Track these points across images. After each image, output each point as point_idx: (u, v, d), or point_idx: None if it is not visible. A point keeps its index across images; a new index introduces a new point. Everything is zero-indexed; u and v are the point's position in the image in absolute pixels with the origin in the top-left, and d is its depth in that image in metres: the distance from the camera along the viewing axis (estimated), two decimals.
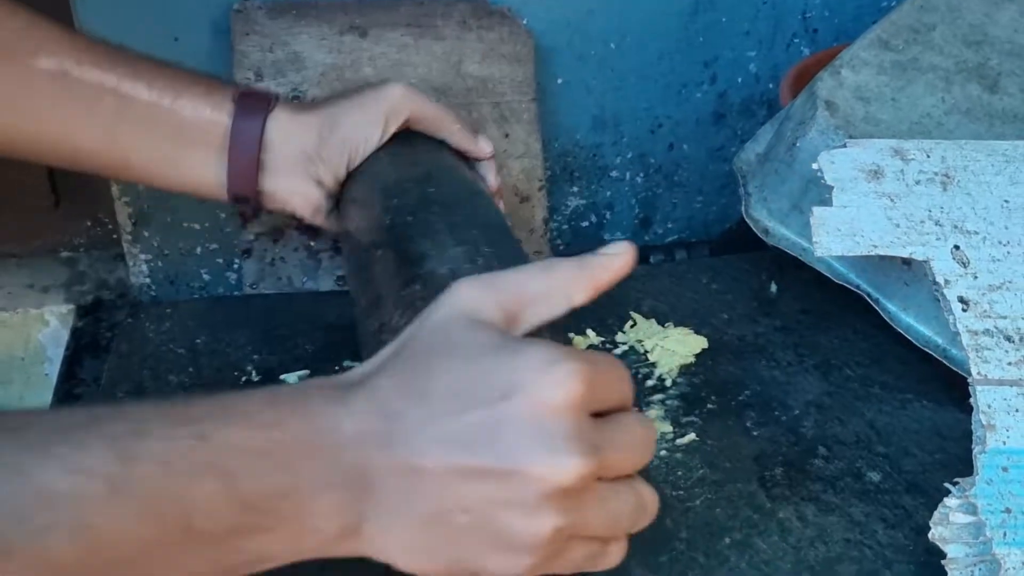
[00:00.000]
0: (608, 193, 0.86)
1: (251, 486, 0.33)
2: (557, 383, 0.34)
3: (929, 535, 0.43)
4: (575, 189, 0.84)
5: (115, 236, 0.85)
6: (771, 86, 0.83)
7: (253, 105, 0.58)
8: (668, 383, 0.57)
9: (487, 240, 0.48)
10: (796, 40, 0.82)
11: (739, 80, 0.83)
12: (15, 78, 0.56)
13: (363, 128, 0.58)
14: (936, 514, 0.44)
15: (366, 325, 0.47)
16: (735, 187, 0.66)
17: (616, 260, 0.39)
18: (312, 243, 0.70)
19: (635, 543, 0.38)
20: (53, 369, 0.80)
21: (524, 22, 0.74)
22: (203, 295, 0.79)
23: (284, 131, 0.58)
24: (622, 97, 0.82)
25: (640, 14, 0.78)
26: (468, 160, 0.62)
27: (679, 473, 0.51)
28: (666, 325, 0.61)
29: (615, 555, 0.38)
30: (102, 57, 0.57)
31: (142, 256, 0.79)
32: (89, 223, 0.86)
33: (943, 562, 0.43)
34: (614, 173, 0.85)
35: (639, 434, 0.37)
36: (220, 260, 0.78)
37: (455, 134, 0.61)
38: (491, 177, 0.63)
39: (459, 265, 0.45)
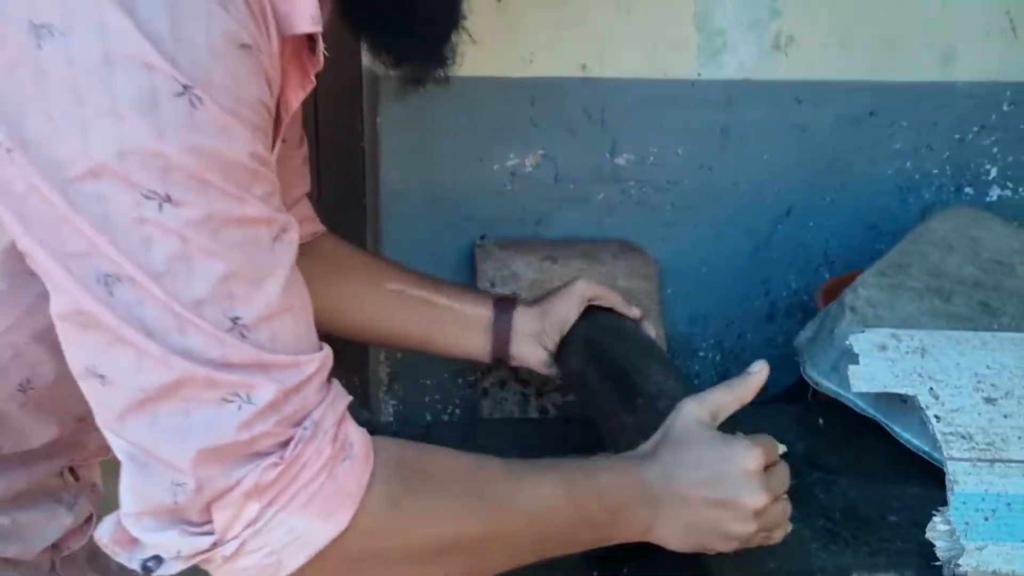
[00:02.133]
0: (696, 367, 1.26)
1: (611, 503, 0.70)
2: (752, 457, 0.71)
3: (927, 536, 0.80)
4: (677, 363, 1.25)
5: (361, 389, 1.24)
6: (805, 298, 1.25)
7: (505, 304, 0.98)
8: None
9: (665, 367, 0.87)
10: (820, 268, 1.25)
11: (783, 293, 1.26)
12: (373, 296, 0.96)
13: (566, 310, 0.96)
14: (929, 526, 0.81)
15: (612, 425, 0.85)
16: (781, 363, 1.06)
17: (760, 376, 0.78)
18: (524, 390, 1.09)
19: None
20: None
21: (651, 254, 1.17)
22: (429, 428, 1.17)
23: (523, 319, 0.98)
24: (707, 303, 1.23)
25: (720, 252, 1.21)
26: (631, 320, 1.01)
27: None
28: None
29: (779, 536, 0.74)
30: (416, 278, 0.98)
31: (391, 402, 1.17)
32: (346, 378, 1.26)
33: (936, 550, 0.79)
34: (701, 353, 1.26)
35: (784, 475, 0.75)
36: (439, 404, 1.17)
37: (619, 305, 0.98)
38: (650, 330, 1.01)
39: (666, 386, 0.83)
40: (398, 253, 1.12)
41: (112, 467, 0.58)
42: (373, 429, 1.16)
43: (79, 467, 0.78)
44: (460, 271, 1.14)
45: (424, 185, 1.13)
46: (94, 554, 0.82)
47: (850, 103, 1.18)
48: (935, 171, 1.24)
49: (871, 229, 1.23)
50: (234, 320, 0.52)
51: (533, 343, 0.97)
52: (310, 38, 0.62)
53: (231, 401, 0.53)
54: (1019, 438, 0.87)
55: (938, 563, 0.80)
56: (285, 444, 0.55)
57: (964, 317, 1.02)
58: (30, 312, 0.61)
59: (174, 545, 0.54)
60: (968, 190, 1.26)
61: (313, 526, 0.55)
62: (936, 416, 0.89)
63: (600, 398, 0.88)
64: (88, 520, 0.78)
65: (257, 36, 0.53)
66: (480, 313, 0.96)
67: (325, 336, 0.61)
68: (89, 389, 0.54)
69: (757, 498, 0.70)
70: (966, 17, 1.17)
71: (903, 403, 0.94)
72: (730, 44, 1.13)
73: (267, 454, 0.54)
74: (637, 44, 1.11)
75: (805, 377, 1.03)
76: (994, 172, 1.25)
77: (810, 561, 0.82)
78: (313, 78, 0.68)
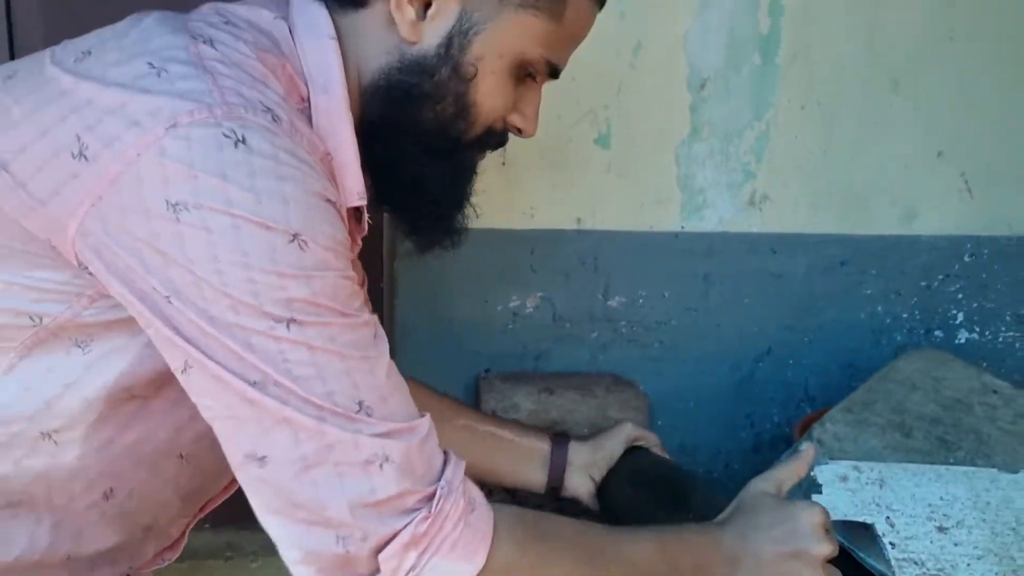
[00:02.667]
0: None
1: (698, 560, 0.80)
2: (816, 513, 0.82)
3: None
4: None
5: None
6: (787, 431, 1.34)
7: (561, 440, 1.09)
8: None
9: (710, 486, 0.99)
10: (801, 403, 1.35)
11: (767, 426, 1.35)
12: (446, 430, 1.07)
13: (614, 447, 1.08)
14: None
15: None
16: None
17: (809, 453, 0.91)
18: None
19: None
20: None
21: (641, 388, 1.28)
22: None
23: (577, 453, 1.08)
24: (696, 434, 1.33)
25: (707, 387, 1.32)
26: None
27: None
28: None
29: None
30: (480, 415, 1.10)
31: None
32: None
33: None
34: None
35: (834, 539, 0.83)
36: None
37: (656, 445, 1.11)
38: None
39: (710, 496, 0.94)
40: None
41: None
42: None
43: (136, 572, 0.88)
44: (465, 400, 1.25)
45: (435, 322, 1.25)
46: None
47: (821, 254, 1.30)
48: (905, 315, 1.35)
49: (848, 368, 1.33)
50: (359, 403, 0.66)
51: (584, 475, 1.08)
52: (356, 209, 0.77)
53: (373, 463, 0.66)
54: (967, 565, 0.95)
55: None
56: (429, 499, 0.68)
57: (923, 451, 1.10)
58: (122, 430, 0.73)
59: None
60: (938, 333, 1.36)
61: (459, 567, 0.69)
62: (892, 543, 0.97)
63: (653, 510, 1.00)
64: None
65: (334, 193, 0.70)
66: (539, 447, 1.08)
67: None
68: (247, 475, 0.67)
69: (825, 547, 0.81)
70: (925, 178, 1.31)
71: (865, 530, 1.03)
72: (710, 201, 1.26)
73: (415, 509, 0.68)
74: (627, 201, 1.25)
75: None
76: (961, 317, 1.36)
77: None
78: (359, 240, 0.83)
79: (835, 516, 1.01)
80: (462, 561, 0.69)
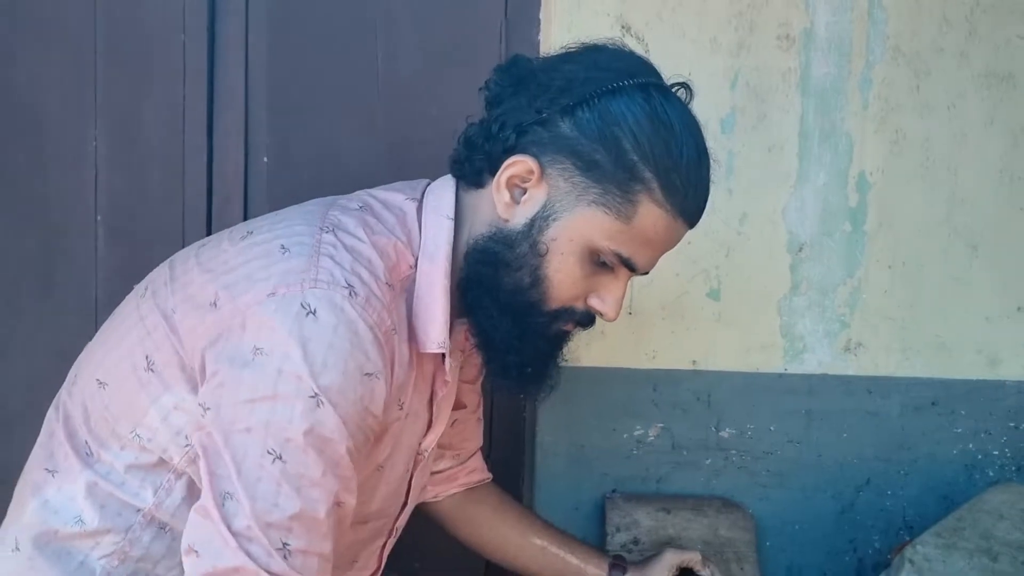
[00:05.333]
0: None
1: None
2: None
3: None
4: None
5: None
6: (887, 556, 1.47)
7: (618, 568, 1.26)
8: None
9: None
10: (901, 532, 1.48)
11: (869, 551, 1.48)
12: (522, 545, 1.28)
13: (661, 574, 1.25)
14: None
15: None
16: None
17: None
18: None
19: None
20: None
21: (750, 511, 1.45)
22: None
23: None
24: (802, 556, 1.47)
25: (810, 513, 1.47)
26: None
27: None
28: None
29: None
30: (556, 536, 1.28)
31: None
32: None
33: None
34: None
35: None
36: None
37: (697, 564, 1.26)
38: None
39: None
40: (548, 498, 1.45)
41: None
42: None
43: None
44: (593, 516, 1.45)
45: (570, 447, 1.46)
46: None
47: (913, 395, 1.46)
48: (996, 452, 1.48)
49: (943, 499, 1.47)
50: (284, 544, 0.87)
51: None
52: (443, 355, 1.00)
53: None
54: None
55: None
56: None
57: (1008, 574, 1.23)
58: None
59: None
60: None
61: None
62: None
63: None
64: None
65: (381, 368, 0.91)
66: (598, 575, 1.26)
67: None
68: (187, 561, 0.88)
69: None
70: (1007, 329, 1.47)
71: None
72: (809, 347, 1.46)
73: None
74: (735, 345, 1.46)
75: None
76: None
77: None
78: (447, 379, 1.05)
79: None
80: None
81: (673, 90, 0.99)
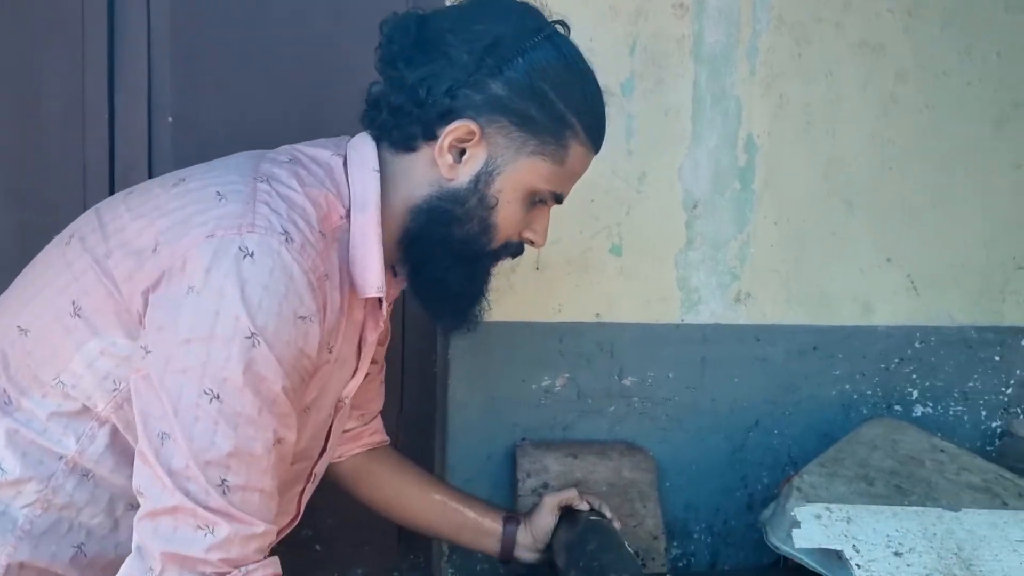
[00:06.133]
0: (692, 547, 1.58)
1: None
2: None
3: None
4: (675, 543, 1.57)
5: (425, 563, 1.57)
6: (774, 490, 1.59)
7: (511, 523, 1.33)
8: None
9: (617, 551, 1.22)
10: (786, 467, 1.60)
11: (759, 487, 1.60)
12: (423, 502, 1.33)
13: (546, 521, 1.31)
14: None
15: None
16: (761, 545, 1.39)
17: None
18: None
19: None
20: None
21: (651, 453, 1.54)
22: None
23: (521, 534, 1.32)
24: (698, 494, 1.58)
25: (705, 454, 1.58)
26: (601, 516, 1.36)
27: None
28: None
29: None
30: (455, 493, 1.35)
31: (450, 570, 1.50)
32: (412, 555, 1.60)
33: None
34: (695, 535, 1.58)
35: None
36: (487, 570, 1.50)
37: (576, 499, 1.33)
38: (606, 510, 1.35)
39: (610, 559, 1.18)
40: (462, 449, 1.50)
41: None
42: None
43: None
44: (504, 464, 1.51)
45: (481, 399, 1.52)
46: None
47: (797, 341, 1.58)
48: (869, 392, 1.62)
49: (824, 436, 1.59)
50: (223, 481, 0.89)
51: (529, 551, 1.34)
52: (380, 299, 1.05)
53: (202, 529, 0.87)
54: None
55: None
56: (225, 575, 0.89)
57: (883, 496, 1.36)
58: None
59: None
60: (897, 407, 1.63)
61: None
62: (857, 564, 1.22)
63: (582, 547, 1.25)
64: None
65: (315, 311, 0.94)
66: (494, 528, 1.34)
67: None
68: (139, 501, 0.90)
69: None
70: (878, 279, 1.60)
71: (838, 559, 1.27)
72: (703, 298, 1.55)
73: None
74: (636, 298, 1.54)
75: (768, 543, 1.36)
76: (915, 394, 1.63)
77: None
78: (382, 323, 1.10)
79: (811, 545, 1.26)
80: None
81: (558, 29, 1.06)
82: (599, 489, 1.47)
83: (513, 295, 1.49)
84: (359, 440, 1.33)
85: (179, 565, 0.88)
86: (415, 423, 1.57)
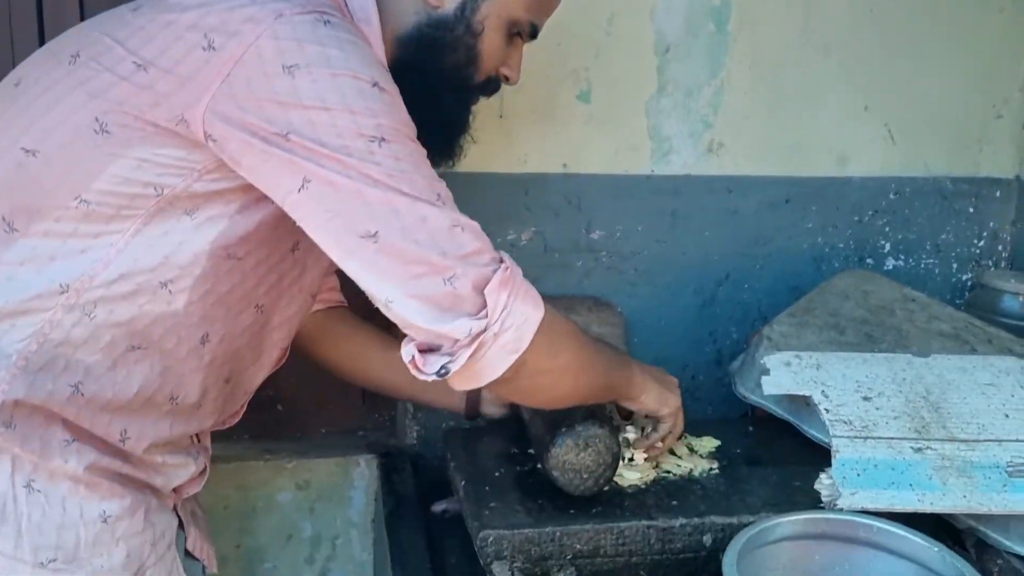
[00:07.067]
0: None
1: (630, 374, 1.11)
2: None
3: (815, 486, 1.11)
4: None
5: (390, 422, 1.55)
6: (743, 345, 1.57)
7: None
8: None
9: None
10: (756, 321, 1.58)
11: (727, 342, 1.58)
12: (383, 360, 1.27)
13: None
14: (817, 481, 1.11)
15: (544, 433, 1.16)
16: (729, 398, 1.38)
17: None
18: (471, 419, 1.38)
19: None
20: (362, 485, 1.47)
21: (619, 309, 1.51)
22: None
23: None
24: (666, 349, 1.56)
25: (675, 308, 1.55)
26: None
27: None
28: (701, 436, 1.30)
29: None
30: None
31: (415, 428, 1.48)
32: (377, 414, 1.57)
33: (822, 498, 1.09)
34: None
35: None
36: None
37: None
38: None
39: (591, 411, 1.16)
40: None
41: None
42: (400, 451, 1.46)
43: (202, 435, 1.09)
44: None
45: None
46: (198, 504, 1.12)
47: (769, 192, 1.54)
48: (841, 245, 1.59)
49: (794, 290, 1.57)
50: (438, 195, 0.90)
51: (494, 405, 1.33)
52: None
53: (457, 226, 0.90)
54: (886, 423, 1.19)
55: (822, 504, 1.10)
56: (499, 261, 0.92)
57: (853, 344, 1.34)
58: (217, 283, 0.95)
59: (464, 328, 0.89)
60: (869, 260, 1.60)
61: (530, 312, 0.93)
62: (826, 409, 1.21)
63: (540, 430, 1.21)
64: (202, 472, 1.08)
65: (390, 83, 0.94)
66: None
67: None
68: (364, 255, 0.88)
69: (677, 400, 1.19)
70: (855, 128, 1.55)
71: (807, 406, 1.26)
72: (675, 148, 1.49)
73: (491, 266, 0.91)
74: (605, 148, 1.48)
75: (736, 393, 1.35)
76: (888, 246, 1.60)
77: (736, 501, 1.13)
78: None
79: (780, 391, 1.24)
80: (532, 308, 0.93)
81: None
82: None
83: (475, 146, 1.40)
84: (319, 295, 1.27)
85: (469, 262, 0.90)
86: None
